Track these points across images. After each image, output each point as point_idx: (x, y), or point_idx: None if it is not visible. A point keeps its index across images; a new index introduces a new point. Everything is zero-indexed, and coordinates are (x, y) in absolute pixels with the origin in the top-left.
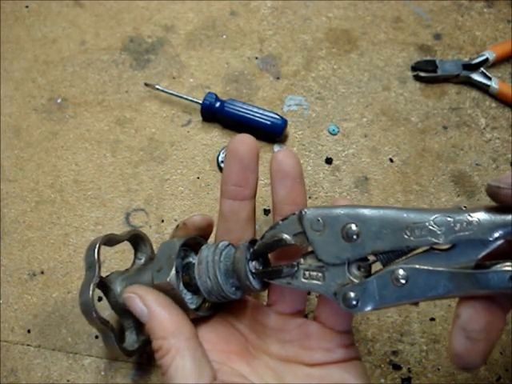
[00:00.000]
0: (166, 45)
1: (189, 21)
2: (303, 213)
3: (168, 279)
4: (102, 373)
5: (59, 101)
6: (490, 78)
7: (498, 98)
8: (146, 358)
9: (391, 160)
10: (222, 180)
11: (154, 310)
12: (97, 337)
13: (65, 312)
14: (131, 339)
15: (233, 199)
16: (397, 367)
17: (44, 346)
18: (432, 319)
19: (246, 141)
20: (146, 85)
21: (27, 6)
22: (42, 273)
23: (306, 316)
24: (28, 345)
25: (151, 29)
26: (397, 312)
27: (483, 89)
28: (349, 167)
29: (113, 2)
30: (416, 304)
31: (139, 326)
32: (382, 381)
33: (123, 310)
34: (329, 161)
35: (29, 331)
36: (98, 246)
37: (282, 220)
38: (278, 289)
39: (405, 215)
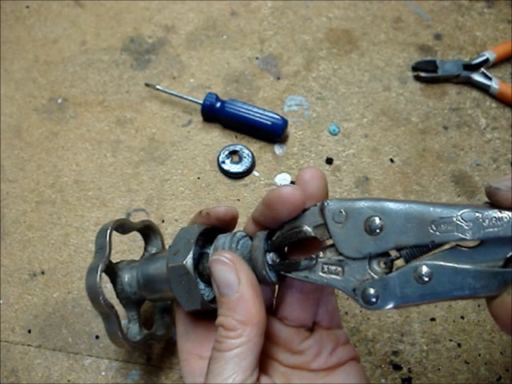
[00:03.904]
0: (167, 45)
1: (189, 21)
2: (325, 204)
3: (184, 262)
4: (103, 373)
5: (60, 101)
6: (490, 79)
7: (499, 98)
8: (146, 358)
9: (392, 160)
10: (254, 211)
11: (245, 290)
12: (97, 337)
13: (65, 312)
14: (134, 331)
15: (259, 229)
16: (397, 367)
17: (44, 346)
18: (432, 319)
19: (287, 198)
20: (147, 85)
21: (27, 6)
22: (43, 273)
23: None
24: (28, 345)
25: (152, 29)
26: (397, 312)
27: (483, 89)
28: (349, 167)
29: (113, 2)
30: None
31: (144, 321)
32: (383, 381)
33: (129, 300)
34: (329, 161)
35: (29, 331)
36: (110, 228)
37: (303, 211)
38: (286, 306)
39: (431, 209)
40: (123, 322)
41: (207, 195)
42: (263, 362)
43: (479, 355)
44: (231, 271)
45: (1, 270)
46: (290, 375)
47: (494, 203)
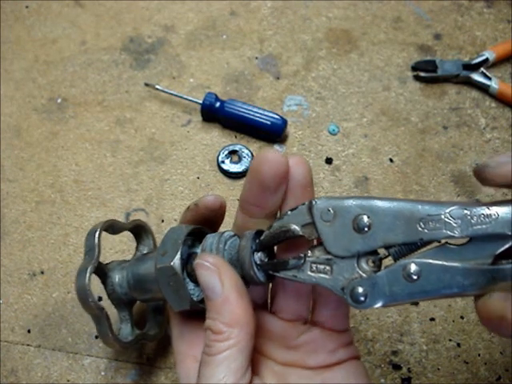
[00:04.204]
0: (166, 45)
1: (189, 21)
2: (313, 202)
3: (172, 263)
4: (102, 373)
5: (59, 101)
6: (489, 78)
7: (498, 98)
8: (145, 358)
9: (391, 160)
10: (241, 192)
11: (229, 293)
12: (97, 337)
13: (65, 312)
14: (126, 331)
15: (248, 216)
16: (397, 367)
17: (44, 345)
18: (432, 319)
19: (271, 160)
20: (146, 85)
21: (27, 6)
22: (42, 273)
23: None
24: (28, 345)
25: (151, 29)
26: (397, 312)
27: (483, 89)
28: (349, 167)
29: (113, 2)
30: (416, 303)
31: (136, 321)
32: (382, 381)
33: (120, 300)
34: (329, 161)
35: (29, 331)
36: (99, 230)
37: (291, 210)
38: (281, 297)
39: (419, 207)
40: (117, 324)
41: None
42: (257, 361)
43: (479, 355)
44: (214, 275)
45: (1, 269)
46: (285, 374)
47: (483, 182)
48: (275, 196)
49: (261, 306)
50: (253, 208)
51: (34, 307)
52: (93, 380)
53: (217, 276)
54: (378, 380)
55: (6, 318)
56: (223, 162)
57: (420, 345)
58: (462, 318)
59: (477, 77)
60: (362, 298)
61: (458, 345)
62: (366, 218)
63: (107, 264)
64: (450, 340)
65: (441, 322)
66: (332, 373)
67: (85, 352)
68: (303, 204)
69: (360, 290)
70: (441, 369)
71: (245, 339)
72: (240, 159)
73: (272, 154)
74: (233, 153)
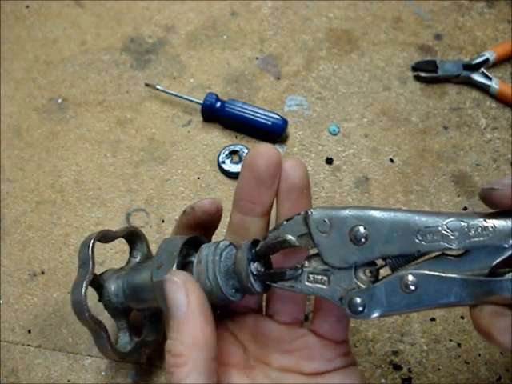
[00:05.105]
0: (167, 45)
1: (189, 21)
2: (309, 213)
3: None
4: (103, 373)
5: (60, 101)
6: (490, 79)
7: (499, 98)
8: (146, 358)
9: (392, 160)
10: (235, 191)
11: (194, 312)
12: None
13: (65, 312)
14: (124, 341)
15: (243, 214)
16: (397, 367)
17: (45, 346)
18: (432, 319)
19: (265, 153)
20: (147, 85)
21: (27, 6)
22: (43, 273)
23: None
24: (28, 345)
25: (152, 29)
26: None
27: (483, 89)
28: (349, 167)
29: (113, 2)
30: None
31: (133, 327)
32: (383, 381)
33: (116, 310)
34: (329, 161)
35: (29, 331)
36: (92, 241)
37: (287, 220)
38: (277, 299)
39: (416, 218)
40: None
41: (207, 195)
42: (252, 366)
43: (479, 355)
44: (181, 291)
45: (1, 270)
46: (280, 379)
47: (492, 206)
48: (270, 190)
49: (256, 311)
50: (248, 205)
51: (34, 307)
52: (93, 380)
53: (184, 293)
54: (378, 380)
55: (7, 318)
56: (224, 162)
57: (420, 345)
58: (462, 318)
59: (477, 77)
60: (360, 309)
61: (459, 345)
62: (362, 229)
63: (102, 274)
64: (451, 340)
65: (441, 322)
66: (327, 378)
67: (85, 352)
68: (299, 214)
69: (358, 300)
70: (441, 369)
71: (204, 364)
72: (240, 159)
73: (265, 148)
74: (233, 153)
